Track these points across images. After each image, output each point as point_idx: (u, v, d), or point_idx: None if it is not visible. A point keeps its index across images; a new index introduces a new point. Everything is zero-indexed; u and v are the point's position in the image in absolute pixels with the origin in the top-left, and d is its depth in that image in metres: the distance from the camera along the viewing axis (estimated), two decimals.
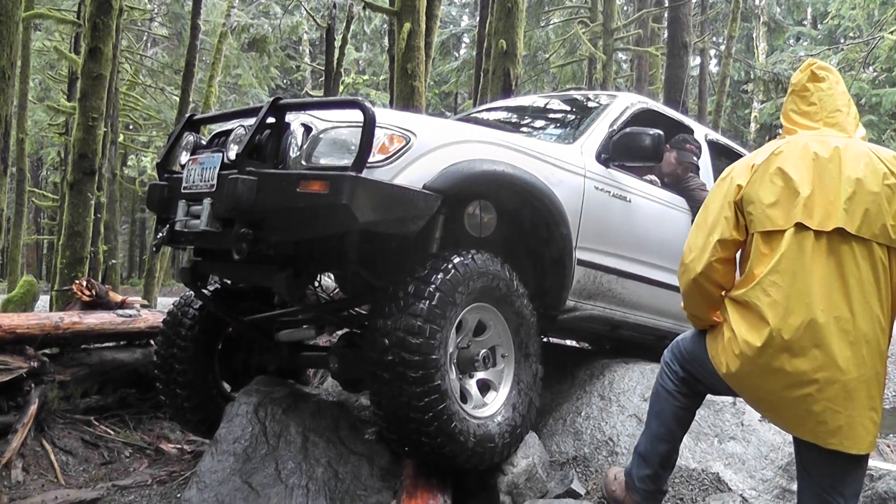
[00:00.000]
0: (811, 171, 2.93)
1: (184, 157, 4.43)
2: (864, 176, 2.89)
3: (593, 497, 4.08)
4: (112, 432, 5.77)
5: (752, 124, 37.55)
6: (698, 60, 25.77)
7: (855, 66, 29.04)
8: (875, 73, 34.66)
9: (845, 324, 2.86)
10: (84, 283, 6.45)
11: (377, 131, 3.68)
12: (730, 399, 4.81)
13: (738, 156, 6.66)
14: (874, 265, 2.88)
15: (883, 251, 2.89)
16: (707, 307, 3.30)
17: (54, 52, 21.37)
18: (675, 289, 5.35)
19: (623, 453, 4.49)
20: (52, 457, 5.16)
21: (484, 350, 4.18)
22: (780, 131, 3.33)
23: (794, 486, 4.34)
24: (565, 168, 4.61)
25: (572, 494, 4.09)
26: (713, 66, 33.98)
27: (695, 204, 5.50)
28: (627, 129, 4.86)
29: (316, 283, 4.83)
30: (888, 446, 7.88)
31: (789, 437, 4.66)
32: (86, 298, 6.34)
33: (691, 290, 3.27)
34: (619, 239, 4.95)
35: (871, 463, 5.69)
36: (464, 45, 40.05)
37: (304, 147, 3.87)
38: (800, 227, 2.89)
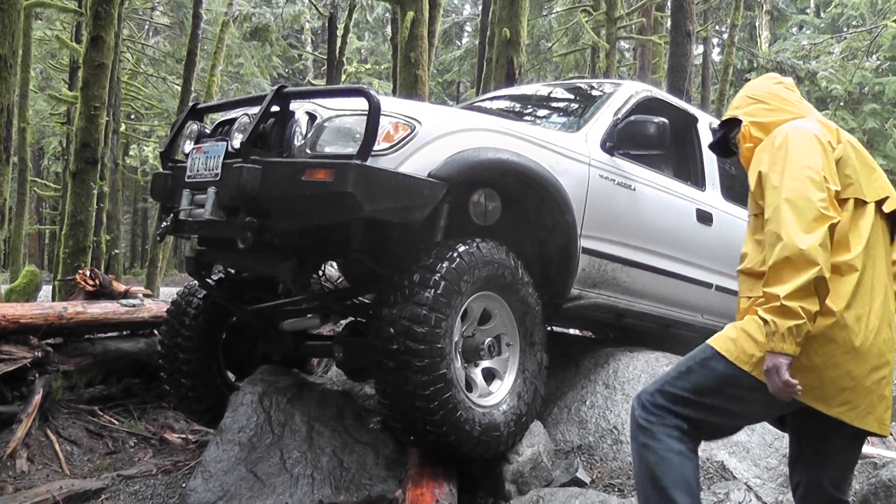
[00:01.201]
0: (860, 150, 2.93)
1: (187, 146, 4.42)
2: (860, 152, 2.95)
3: (598, 485, 4.08)
4: (116, 422, 5.78)
5: None
6: (701, 49, 25.73)
7: (858, 54, 29.01)
8: (878, 62, 34.56)
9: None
10: (87, 273, 6.46)
11: (382, 119, 3.68)
12: None
13: None
14: None
15: None
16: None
17: (56, 41, 21.34)
18: (680, 277, 5.34)
19: (628, 441, 4.48)
20: (57, 447, 5.17)
21: (489, 339, 4.17)
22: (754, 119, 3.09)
23: None
24: (570, 156, 4.59)
25: (577, 483, 4.09)
26: (716, 55, 33.88)
27: None
28: (632, 118, 4.84)
29: (320, 272, 4.82)
30: (892, 435, 7.89)
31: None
32: (89, 288, 6.34)
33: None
34: (624, 227, 4.94)
35: (875, 451, 5.71)
36: (466, 33, 39.99)
37: (309, 135, 3.87)
38: (879, 202, 2.86)
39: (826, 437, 2.92)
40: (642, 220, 5.06)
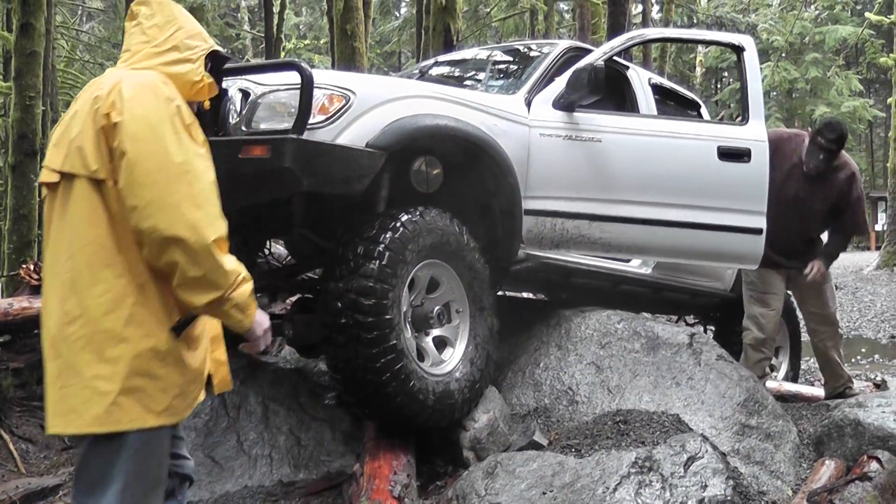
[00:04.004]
0: (72, 109, 2.51)
1: None
2: (81, 107, 2.46)
3: (556, 447, 4.09)
4: None
5: (698, 68, 37.72)
6: (640, 7, 25.74)
7: (796, 5, 29.30)
8: (817, 12, 34.95)
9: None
10: (31, 267, 6.33)
11: (316, 92, 3.64)
12: (686, 340, 4.82)
13: (684, 98, 6.64)
14: (84, 202, 2.41)
15: (91, 186, 2.40)
16: None
17: None
18: (695, 226, 5.06)
19: (583, 402, 4.51)
20: (11, 446, 5.08)
21: (438, 307, 4.16)
22: None
23: (753, 422, 4.41)
24: (508, 118, 4.55)
25: (535, 446, 4.10)
26: (656, 13, 34.00)
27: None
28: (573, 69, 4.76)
29: (266, 250, 4.77)
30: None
31: (746, 373, 4.73)
32: (34, 282, 6.21)
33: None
34: (586, 182, 4.80)
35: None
36: (404, 3, 39.74)
37: (244, 112, 3.83)
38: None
39: None
40: (616, 170, 4.87)
